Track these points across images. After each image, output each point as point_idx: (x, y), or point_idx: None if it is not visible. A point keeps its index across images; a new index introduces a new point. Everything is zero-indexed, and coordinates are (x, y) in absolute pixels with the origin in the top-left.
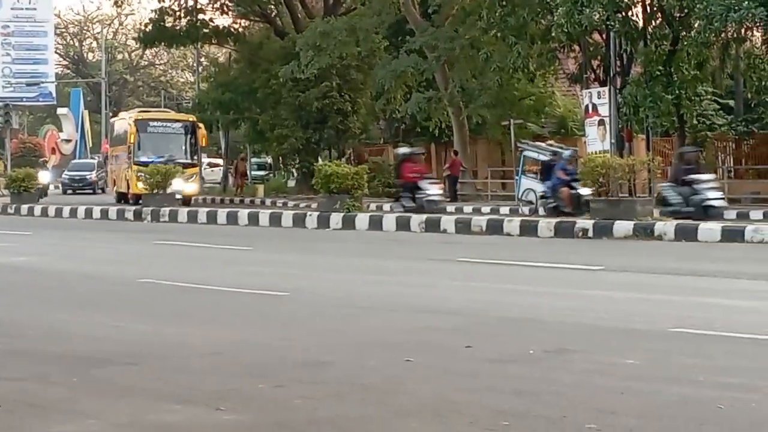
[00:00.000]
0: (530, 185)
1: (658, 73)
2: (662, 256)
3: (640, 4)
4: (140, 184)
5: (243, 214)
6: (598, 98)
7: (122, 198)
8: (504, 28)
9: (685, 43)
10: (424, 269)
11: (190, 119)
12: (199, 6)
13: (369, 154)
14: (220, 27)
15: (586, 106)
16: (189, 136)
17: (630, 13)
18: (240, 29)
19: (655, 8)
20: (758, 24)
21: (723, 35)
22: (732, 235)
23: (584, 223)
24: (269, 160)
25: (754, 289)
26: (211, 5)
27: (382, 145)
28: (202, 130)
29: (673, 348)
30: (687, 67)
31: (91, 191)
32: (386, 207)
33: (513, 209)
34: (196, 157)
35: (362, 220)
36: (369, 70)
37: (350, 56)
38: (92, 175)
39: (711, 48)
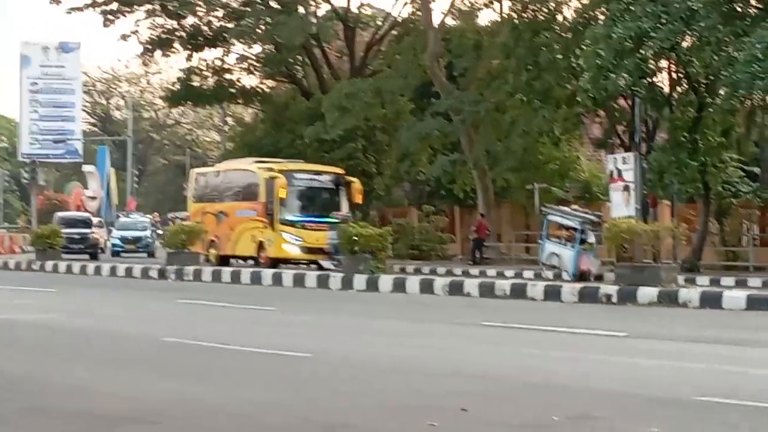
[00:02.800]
0: (554, 249)
1: (684, 139)
2: (687, 324)
3: (666, 70)
4: (289, 247)
5: (267, 274)
6: (623, 163)
7: (225, 262)
8: (529, 92)
9: (711, 110)
10: (448, 332)
11: (340, 171)
12: (226, 66)
13: (393, 216)
14: (247, 87)
15: (611, 171)
16: (340, 191)
17: (655, 80)
18: (266, 89)
19: (680, 75)
20: None
21: (748, 102)
22: (758, 304)
23: (608, 288)
24: None
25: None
26: (238, 65)
27: (406, 207)
28: (357, 185)
29: (696, 416)
30: (712, 134)
31: (146, 254)
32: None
33: (537, 273)
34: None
35: (386, 282)
36: (394, 132)
37: (375, 118)
38: (147, 235)
39: (736, 115)
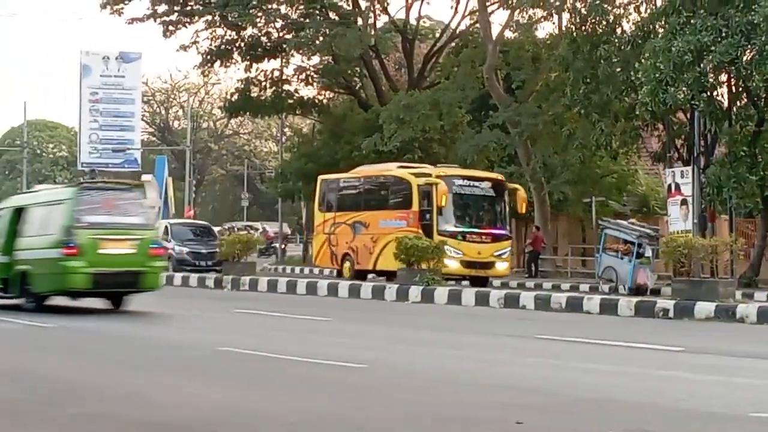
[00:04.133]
0: (611, 263)
1: (743, 153)
2: (744, 339)
3: (726, 84)
4: (449, 261)
5: (323, 284)
6: (682, 177)
7: (362, 277)
8: (587, 105)
9: None
10: (501, 345)
11: (501, 178)
12: (284, 77)
13: None
14: (305, 98)
15: (669, 185)
16: (501, 199)
17: (715, 93)
18: (324, 100)
19: (740, 89)
20: None
21: None
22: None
23: (665, 303)
24: None
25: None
26: (296, 76)
27: None
28: (521, 193)
29: None
30: None
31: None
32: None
33: (593, 287)
34: (507, 227)
35: (441, 294)
36: (451, 144)
37: (433, 130)
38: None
39: None
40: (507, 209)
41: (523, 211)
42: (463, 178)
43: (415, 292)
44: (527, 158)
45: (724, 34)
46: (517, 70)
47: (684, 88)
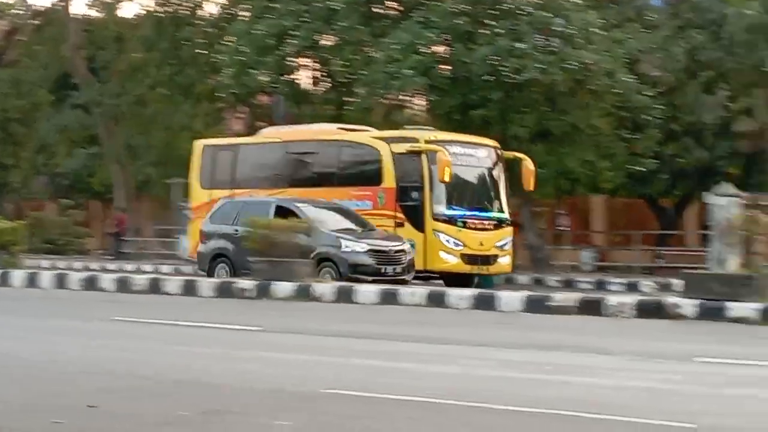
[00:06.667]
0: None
1: None
2: (321, 317)
3: (307, 68)
4: (447, 255)
5: None
6: None
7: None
8: (171, 86)
9: (351, 107)
10: (77, 328)
11: (496, 144)
12: None
13: (30, 210)
14: None
15: None
16: (499, 173)
17: (297, 77)
18: None
19: (322, 73)
20: (419, 91)
21: (386, 101)
22: (389, 297)
23: (246, 283)
24: None
25: (409, 351)
26: None
27: (43, 200)
28: (528, 164)
29: (327, 409)
30: None
31: None
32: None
33: (177, 268)
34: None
35: (18, 276)
36: (32, 124)
37: (13, 109)
38: None
39: (374, 112)
40: (505, 185)
41: (532, 187)
42: (459, 144)
43: None
44: (110, 139)
45: (305, 19)
46: (102, 50)
47: (266, 71)
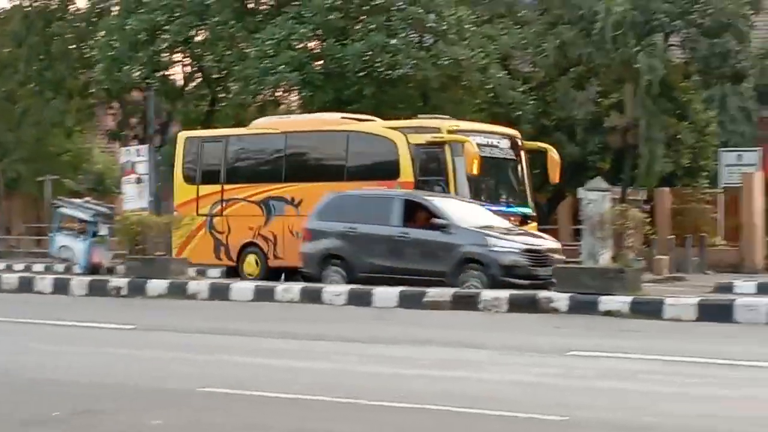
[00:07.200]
0: (66, 242)
1: None
2: (196, 315)
3: (180, 64)
4: None
5: None
6: (137, 156)
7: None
8: (42, 81)
9: (224, 103)
10: None
11: (516, 134)
12: None
13: None
14: None
15: (125, 164)
16: (521, 165)
17: (170, 73)
18: None
19: (194, 69)
20: (293, 87)
21: (260, 97)
22: (264, 295)
23: (119, 281)
24: None
25: (285, 348)
26: None
27: None
28: (553, 154)
29: (200, 407)
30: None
31: None
32: None
33: (48, 266)
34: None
35: None
36: None
37: None
38: None
39: (248, 108)
40: (527, 178)
41: (557, 179)
42: (482, 133)
43: None
44: None
45: (177, 14)
46: None
47: (139, 67)
